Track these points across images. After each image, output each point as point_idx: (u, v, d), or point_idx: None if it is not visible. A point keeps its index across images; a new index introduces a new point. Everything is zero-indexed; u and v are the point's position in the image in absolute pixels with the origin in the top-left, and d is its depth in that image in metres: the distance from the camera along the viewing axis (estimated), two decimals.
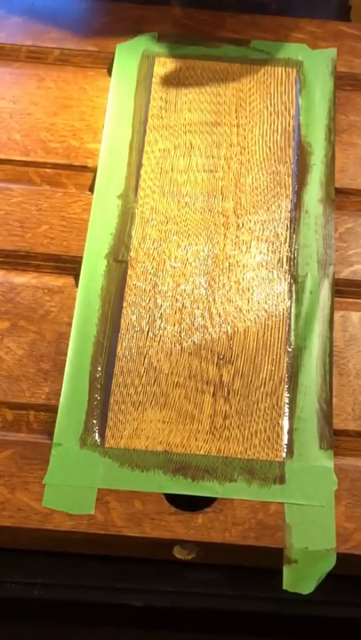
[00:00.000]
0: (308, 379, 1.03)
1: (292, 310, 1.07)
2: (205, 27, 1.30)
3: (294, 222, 1.13)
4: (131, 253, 1.10)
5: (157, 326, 1.05)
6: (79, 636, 0.99)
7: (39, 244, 1.11)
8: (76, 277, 1.09)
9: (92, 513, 0.95)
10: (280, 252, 1.11)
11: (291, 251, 1.11)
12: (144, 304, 1.07)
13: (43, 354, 1.04)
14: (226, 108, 1.22)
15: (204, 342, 1.04)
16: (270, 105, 1.22)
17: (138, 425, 0.99)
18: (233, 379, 1.02)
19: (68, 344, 1.04)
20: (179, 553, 0.95)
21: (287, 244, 1.11)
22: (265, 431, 1.00)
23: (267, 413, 1.00)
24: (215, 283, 1.08)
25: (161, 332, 1.05)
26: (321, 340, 1.05)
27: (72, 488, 0.96)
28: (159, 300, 1.07)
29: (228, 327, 1.05)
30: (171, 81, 1.24)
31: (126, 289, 1.07)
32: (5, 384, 1.02)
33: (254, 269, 1.09)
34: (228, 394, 1.01)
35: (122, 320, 1.05)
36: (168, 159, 1.17)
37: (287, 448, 0.99)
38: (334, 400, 1.02)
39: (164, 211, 1.14)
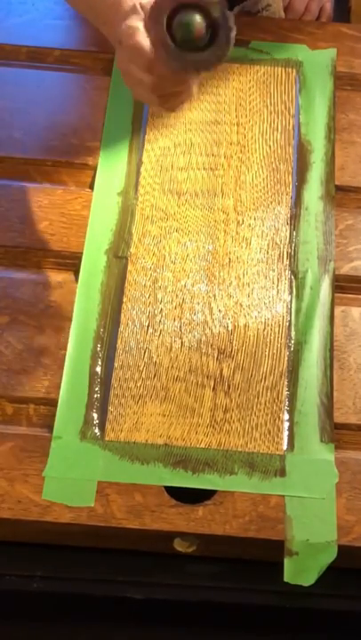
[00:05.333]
0: (308, 373, 1.03)
1: (293, 305, 1.07)
2: None
3: (294, 219, 1.13)
4: (131, 249, 1.10)
5: (157, 321, 1.05)
6: (79, 629, 0.98)
7: (39, 240, 1.11)
8: (76, 273, 1.09)
9: (92, 505, 0.94)
10: (280, 249, 1.11)
11: (291, 247, 1.11)
12: (144, 299, 1.06)
13: (42, 348, 1.03)
14: (226, 107, 1.22)
15: (204, 337, 1.04)
16: (270, 104, 1.22)
17: (138, 418, 0.99)
18: (233, 373, 1.02)
19: (67, 338, 1.04)
20: (179, 545, 0.95)
21: (287, 241, 1.11)
22: (265, 424, 0.99)
23: (267, 407, 1.00)
24: (215, 278, 1.08)
25: (161, 326, 1.05)
26: (321, 334, 1.05)
27: (72, 480, 0.96)
28: (159, 296, 1.07)
29: (229, 322, 1.05)
30: None
31: (126, 284, 1.07)
32: (5, 378, 1.02)
33: (254, 265, 1.09)
34: (229, 388, 1.01)
35: (122, 315, 1.05)
36: (168, 157, 1.17)
37: (288, 441, 0.98)
38: (335, 394, 1.02)
39: (164, 208, 1.14)
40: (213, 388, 1.01)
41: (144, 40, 0.92)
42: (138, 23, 0.94)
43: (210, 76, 1.24)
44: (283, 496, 0.95)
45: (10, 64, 1.26)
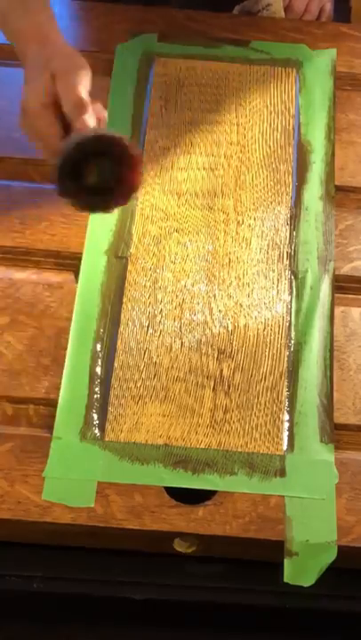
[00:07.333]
0: (308, 373, 1.03)
1: (293, 305, 1.07)
2: (205, 27, 1.30)
3: (294, 219, 1.13)
4: (131, 250, 1.10)
5: (157, 321, 1.05)
6: (79, 629, 0.99)
7: (39, 240, 1.11)
8: (76, 273, 1.09)
9: (92, 506, 0.94)
10: (280, 249, 1.11)
11: (291, 247, 1.11)
12: (144, 299, 1.06)
13: (42, 348, 1.04)
14: (226, 107, 1.22)
15: (204, 337, 1.04)
16: (270, 104, 1.22)
17: (138, 419, 0.99)
18: (233, 373, 1.02)
19: (67, 339, 1.04)
20: (179, 546, 0.95)
21: (287, 241, 1.11)
22: (265, 425, 0.99)
23: (267, 407, 1.00)
24: (215, 278, 1.08)
25: (161, 327, 1.05)
26: (321, 335, 1.05)
27: (72, 481, 0.96)
28: (159, 296, 1.07)
29: (229, 322, 1.05)
30: (171, 81, 1.24)
31: (126, 284, 1.07)
32: (5, 378, 1.02)
33: (254, 265, 1.09)
34: (229, 388, 1.01)
35: (122, 315, 1.05)
36: (168, 157, 1.17)
37: (288, 442, 0.98)
38: (335, 394, 1.02)
39: (164, 208, 1.14)
40: (213, 389, 1.01)
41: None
42: (37, 105, 1.02)
43: (210, 76, 1.24)
44: (283, 496, 0.96)
45: (10, 64, 1.26)
